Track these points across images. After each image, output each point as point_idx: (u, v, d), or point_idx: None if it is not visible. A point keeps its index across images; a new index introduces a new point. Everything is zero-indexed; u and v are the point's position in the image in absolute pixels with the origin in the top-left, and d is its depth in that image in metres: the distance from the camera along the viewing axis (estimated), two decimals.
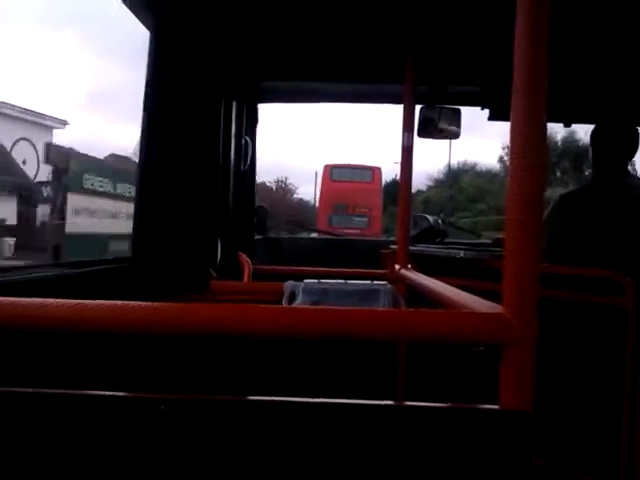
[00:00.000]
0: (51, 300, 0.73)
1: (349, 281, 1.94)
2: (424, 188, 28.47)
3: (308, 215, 20.71)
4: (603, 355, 2.04)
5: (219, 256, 2.30)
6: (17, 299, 0.73)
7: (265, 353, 2.00)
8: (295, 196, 27.39)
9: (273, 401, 0.70)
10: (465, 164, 30.05)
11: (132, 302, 0.72)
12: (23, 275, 1.55)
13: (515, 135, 0.72)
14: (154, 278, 1.92)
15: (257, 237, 3.02)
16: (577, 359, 2.11)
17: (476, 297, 0.91)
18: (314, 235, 6.62)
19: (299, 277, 1.97)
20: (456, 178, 27.63)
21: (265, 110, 2.90)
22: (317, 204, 17.73)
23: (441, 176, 28.84)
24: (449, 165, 27.56)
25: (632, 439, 1.81)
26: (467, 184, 27.72)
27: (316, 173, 25.07)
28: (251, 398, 0.71)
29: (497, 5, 1.45)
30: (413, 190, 2.13)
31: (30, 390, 0.70)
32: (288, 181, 27.21)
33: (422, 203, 24.45)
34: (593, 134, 2.45)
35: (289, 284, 1.91)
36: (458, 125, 2.73)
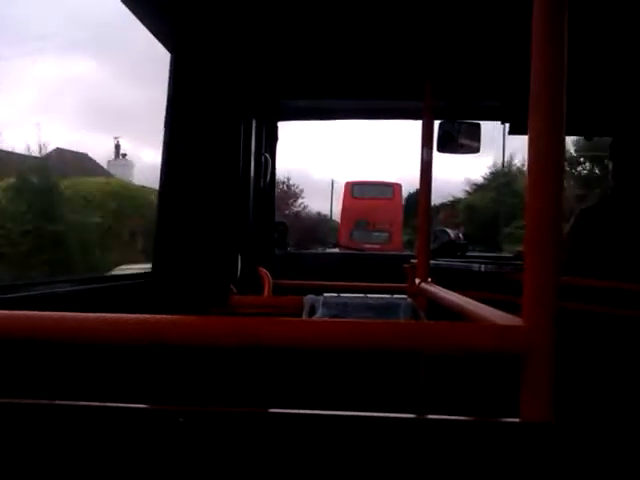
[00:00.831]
0: (74, 314, 0.74)
1: (369, 295, 1.95)
2: (461, 195, 25.35)
3: (323, 228, 20.47)
4: (629, 369, 2.01)
5: (239, 271, 2.32)
6: (39, 313, 0.75)
7: (286, 365, 2.00)
8: (302, 203, 24.92)
9: (294, 414, 0.70)
10: (511, 164, 25.55)
11: (154, 315, 0.73)
12: (42, 290, 1.59)
13: (533, 148, 0.72)
14: (174, 293, 1.94)
15: (277, 252, 3.04)
16: (604, 373, 2.07)
17: (495, 310, 0.91)
18: (335, 250, 6.62)
19: (319, 291, 1.98)
20: (508, 180, 23.71)
21: (285, 125, 2.93)
22: (338, 218, 17.79)
23: (485, 179, 25.18)
24: (503, 164, 24.19)
25: None
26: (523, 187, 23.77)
27: (332, 182, 24.65)
28: (272, 411, 0.72)
29: (515, 20, 1.46)
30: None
31: (49, 402, 0.72)
32: (291, 182, 24.06)
33: (464, 210, 22.46)
34: (612, 146, 2.43)
35: (309, 298, 1.92)
36: (478, 139, 2.72)
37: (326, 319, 1.57)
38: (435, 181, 2.13)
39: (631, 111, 2.51)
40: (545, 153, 0.71)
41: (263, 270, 2.48)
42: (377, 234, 15.39)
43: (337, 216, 18.80)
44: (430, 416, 0.72)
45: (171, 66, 2.07)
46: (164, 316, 0.73)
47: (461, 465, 0.68)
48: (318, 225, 20.97)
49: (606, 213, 2.37)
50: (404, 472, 0.68)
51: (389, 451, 0.68)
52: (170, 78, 2.07)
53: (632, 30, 1.86)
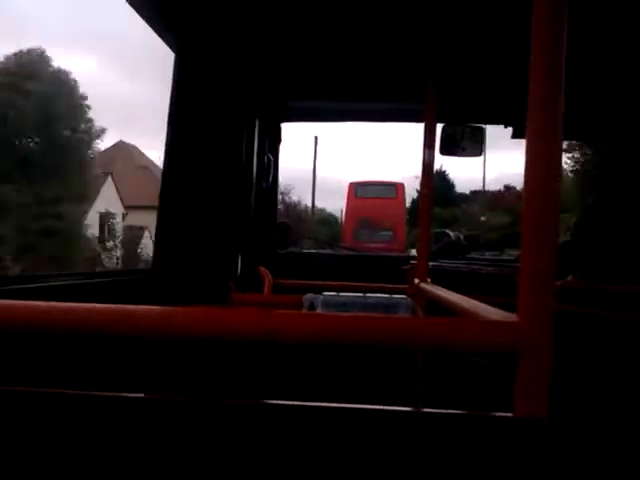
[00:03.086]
0: (74, 304, 0.75)
1: (368, 294, 1.96)
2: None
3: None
4: (629, 371, 2.01)
5: (240, 270, 2.33)
6: (41, 303, 0.76)
7: (286, 358, 2.01)
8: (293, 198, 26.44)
9: (293, 406, 0.71)
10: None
11: (155, 307, 0.75)
12: (42, 283, 1.60)
13: (530, 150, 0.73)
14: (174, 289, 1.96)
15: (279, 252, 3.05)
16: (603, 375, 2.08)
17: (493, 308, 0.92)
18: (328, 251, 6.61)
19: (319, 290, 2.00)
20: None
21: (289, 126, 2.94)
22: (343, 219, 17.82)
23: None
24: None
25: None
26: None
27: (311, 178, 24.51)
28: (270, 402, 0.73)
29: (517, 23, 1.47)
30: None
31: (50, 391, 0.73)
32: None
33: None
34: (610, 151, 2.44)
35: (308, 296, 1.93)
36: (481, 143, 2.73)
37: (326, 313, 1.58)
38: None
39: (629, 117, 2.51)
40: (543, 155, 0.72)
41: (263, 269, 2.49)
42: (381, 233, 15.42)
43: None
44: (425, 409, 0.73)
45: (175, 66, 2.07)
46: (166, 307, 0.74)
47: (455, 458, 0.69)
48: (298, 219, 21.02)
49: (607, 212, 2.38)
50: (399, 464, 0.69)
51: (384, 443, 0.69)
52: (174, 78, 2.08)
53: (630, 37, 1.86)
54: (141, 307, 0.74)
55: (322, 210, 30.29)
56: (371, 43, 2.05)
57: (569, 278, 2.01)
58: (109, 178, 25.17)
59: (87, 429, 0.72)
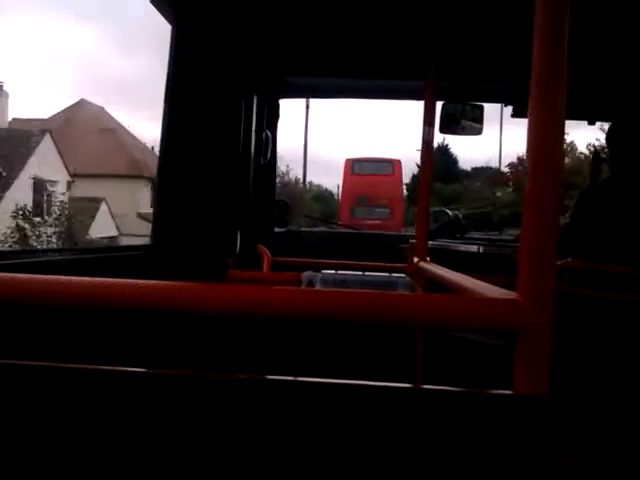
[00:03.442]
0: (75, 278, 0.75)
1: (367, 273, 1.95)
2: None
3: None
4: (623, 352, 2.03)
5: (238, 247, 2.32)
6: (40, 276, 0.76)
7: (284, 335, 2.02)
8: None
9: (291, 381, 0.72)
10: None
11: (154, 281, 0.74)
12: (41, 258, 1.60)
13: (533, 130, 0.73)
14: (173, 265, 1.95)
15: (277, 230, 3.04)
16: (598, 356, 2.09)
17: (493, 286, 0.91)
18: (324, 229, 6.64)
19: (318, 269, 1.99)
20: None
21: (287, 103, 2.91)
22: (340, 196, 17.82)
23: None
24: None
25: None
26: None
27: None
28: (268, 378, 0.73)
29: (519, 1, 1.45)
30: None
31: (53, 365, 0.73)
32: None
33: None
34: (610, 132, 2.42)
35: (307, 274, 1.93)
36: (481, 121, 2.71)
37: (324, 289, 1.58)
38: None
39: (631, 97, 2.49)
40: (545, 135, 0.72)
41: (262, 247, 2.49)
42: (378, 210, 15.45)
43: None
44: (425, 386, 0.73)
45: (172, 39, 2.04)
46: (165, 282, 0.74)
47: (455, 436, 0.69)
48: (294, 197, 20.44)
49: (604, 195, 2.37)
50: (398, 441, 0.70)
51: (383, 420, 0.70)
52: (171, 51, 2.04)
53: (633, 16, 1.84)
54: (140, 282, 0.74)
55: (318, 186, 30.19)
56: (370, 18, 2.02)
57: (569, 259, 2.02)
58: (47, 137, 20.41)
59: (87, 403, 0.72)
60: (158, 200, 2.09)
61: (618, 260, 2.00)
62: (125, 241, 17.91)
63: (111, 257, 2.00)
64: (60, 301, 0.77)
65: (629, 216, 2.24)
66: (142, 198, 22.28)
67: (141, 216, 20.38)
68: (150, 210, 15.00)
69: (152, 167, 18.41)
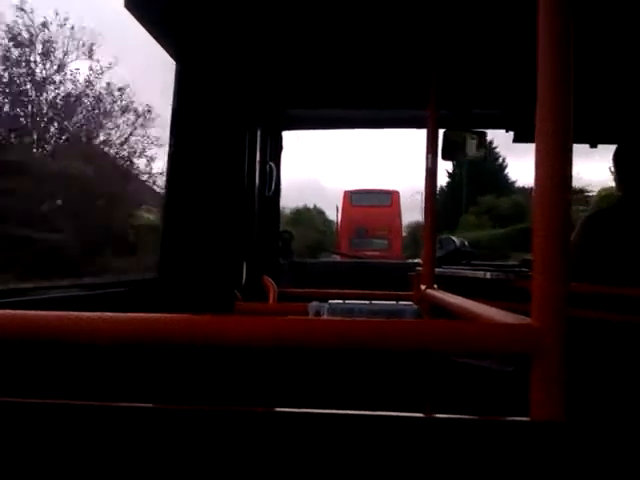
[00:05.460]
0: (83, 314, 0.75)
1: (374, 301, 1.95)
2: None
3: None
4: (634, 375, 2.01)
5: (244, 279, 2.32)
6: (48, 312, 0.76)
7: (294, 365, 2.00)
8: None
9: (301, 413, 0.70)
10: None
11: (162, 315, 0.74)
12: (50, 294, 1.59)
13: (540, 155, 0.73)
14: (180, 298, 1.95)
15: (282, 261, 3.04)
16: (614, 379, 2.07)
17: (504, 312, 0.91)
18: (338, 259, 6.64)
19: (324, 299, 1.98)
20: None
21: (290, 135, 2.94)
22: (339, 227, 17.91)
23: None
24: None
25: None
26: None
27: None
28: (278, 410, 0.71)
29: (518, 28, 1.47)
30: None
31: (56, 402, 0.72)
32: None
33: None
34: (617, 154, 2.43)
35: (314, 304, 1.92)
36: (483, 147, 2.73)
37: (333, 318, 1.57)
38: None
39: (637, 119, 2.52)
40: (552, 159, 0.72)
41: (268, 278, 2.48)
42: (377, 241, 15.52)
43: None
44: (438, 415, 0.72)
45: (176, 75, 2.07)
46: (173, 315, 0.74)
47: (471, 465, 0.67)
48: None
49: (613, 219, 2.37)
50: (412, 472, 0.68)
51: (397, 451, 0.68)
52: (175, 87, 2.07)
53: (637, 38, 1.87)
54: (148, 315, 0.74)
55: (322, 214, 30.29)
56: (371, 50, 2.06)
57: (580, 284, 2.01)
58: None
59: (95, 440, 0.71)
60: (164, 232, 2.09)
61: (629, 284, 1.99)
62: None
63: (119, 290, 1.99)
64: (66, 337, 0.76)
65: (633, 243, 2.24)
66: None
67: None
68: None
69: None
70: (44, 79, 11.80)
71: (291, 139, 2.90)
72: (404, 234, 18.33)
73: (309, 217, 25.24)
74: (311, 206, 28.50)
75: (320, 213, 28.93)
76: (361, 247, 14.61)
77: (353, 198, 16.53)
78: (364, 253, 12.40)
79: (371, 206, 16.13)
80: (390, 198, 16.58)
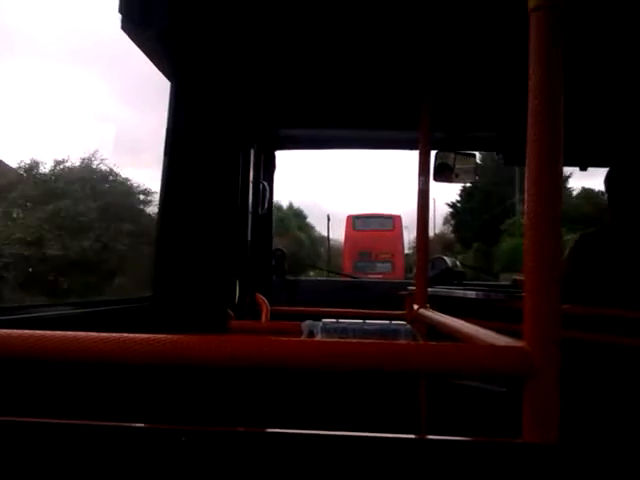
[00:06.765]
0: (74, 333, 0.75)
1: (368, 321, 1.95)
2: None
3: None
4: (632, 397, 1.99)
5: (237, 297, 2.32)
6: (40, 332, 0.76)
7: (285, 386, 1.99)
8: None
9: (293, 434, 0.70)
10: None
11: (155, 335, 0.74)
12: (42, 313, 1.60)
13: (531, 178, 0.74)
14: (174, 316, 1.95)
15: (275, 279, 3.05)
16: (606, 401, 2.06)
17: (496, 334, 0.90)
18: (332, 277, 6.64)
19: (317, 317, 1.99)
20: None
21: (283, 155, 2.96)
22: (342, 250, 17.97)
23: None
24: None
25: None
26: None
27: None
28: (271, 431, 0.71)
29: (510, 51, 1.50)
30: None
31: (50, 421, 0.72)
32: None
33: None
34: (609, 177, 2.45)
35: (307, 323, 1.92)
36: (474, 169, 2.75)
37: (326, 339, 1.57)
38: None
39: (628, 142, 2.54)
40: (543, 183, 0.73)
41: (261, 297, 2.49)
42: (380, 265, 15.55)
43: None
44: (430, 436, 0.72)
45: (171, 94, 2.10)
46: (166, 336, 0.74)
47: None
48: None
49: (604, 240, 2.38)
50: None
51: (390, 472, 0.68)
52: (170, 106, 2.10)
53: (628, 61, 1.89)
54: (141, 335, 0.74)
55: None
56: (364, 71, 2.09)
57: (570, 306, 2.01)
58: None
59: (87, 460, 0.71)
60: (158, 250, 2.10)
61: (621, 306, 1.99)
62: None
63: (112, 310, 2.00)
64: (59, 357, 0.76)
65: (632, 262, 2.24)
66: None
67: None
68: None
69: None
70: None
71: (291, 159, 2.91)
72: (410, 252, 18.30)
73: (279, 218, 20.64)
74: (285, 204, 26.01)
75: (311, 228, 28.45)
76: (365, 270, 14.63)
77: (356, 222, 16.58)
78: (368, 276, 12.40)
79: (374, 230, 16.17)
80: (392, 222, 16.64)
